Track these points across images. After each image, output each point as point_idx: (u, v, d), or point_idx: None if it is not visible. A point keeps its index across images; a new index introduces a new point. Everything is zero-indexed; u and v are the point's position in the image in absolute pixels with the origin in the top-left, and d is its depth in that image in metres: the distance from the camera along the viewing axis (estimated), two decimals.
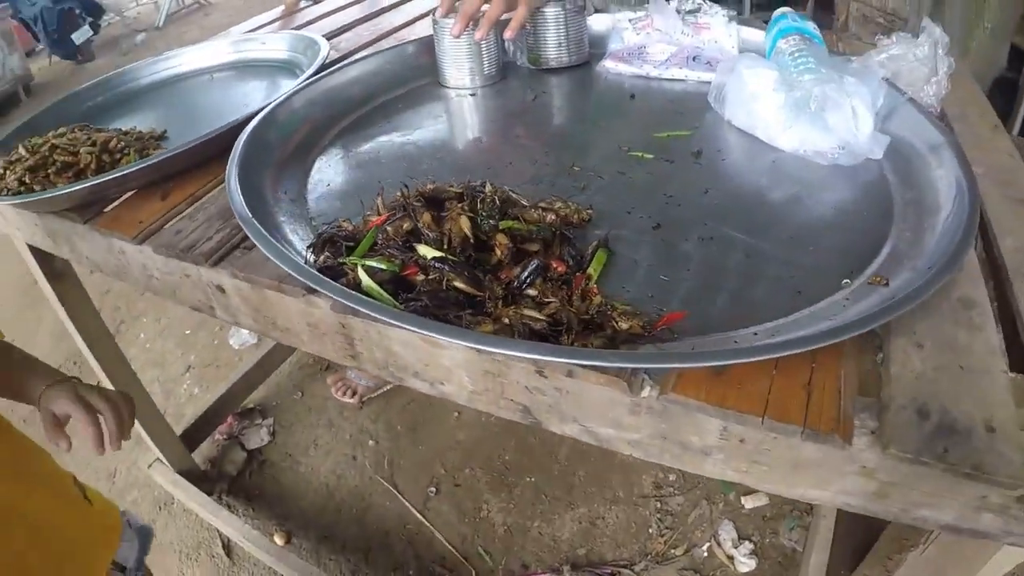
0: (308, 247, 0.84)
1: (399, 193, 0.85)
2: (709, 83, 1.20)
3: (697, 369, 0.65)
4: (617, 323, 0.70)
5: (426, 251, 0.73)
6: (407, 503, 2.21)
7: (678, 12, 1.41)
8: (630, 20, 1.44)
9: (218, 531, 2.17)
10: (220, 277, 0.94)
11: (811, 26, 1.19)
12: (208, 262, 0.98)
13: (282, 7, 2.19)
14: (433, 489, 2.22)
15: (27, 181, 1.22)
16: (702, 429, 0.66)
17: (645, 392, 0.66)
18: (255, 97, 1.55)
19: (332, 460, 2.38)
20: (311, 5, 2.26)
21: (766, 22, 1.27)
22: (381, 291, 0.72)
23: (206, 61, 1.79)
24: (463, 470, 2.29)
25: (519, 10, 1.29)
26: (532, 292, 0.74)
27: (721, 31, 1.36)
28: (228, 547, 2.17)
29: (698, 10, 1.41)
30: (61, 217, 1.23)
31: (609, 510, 2.11)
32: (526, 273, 0.74)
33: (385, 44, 1.75)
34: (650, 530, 2.05)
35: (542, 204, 0.87)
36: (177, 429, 2.31)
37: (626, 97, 1.28)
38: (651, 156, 1.05)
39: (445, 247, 0.74)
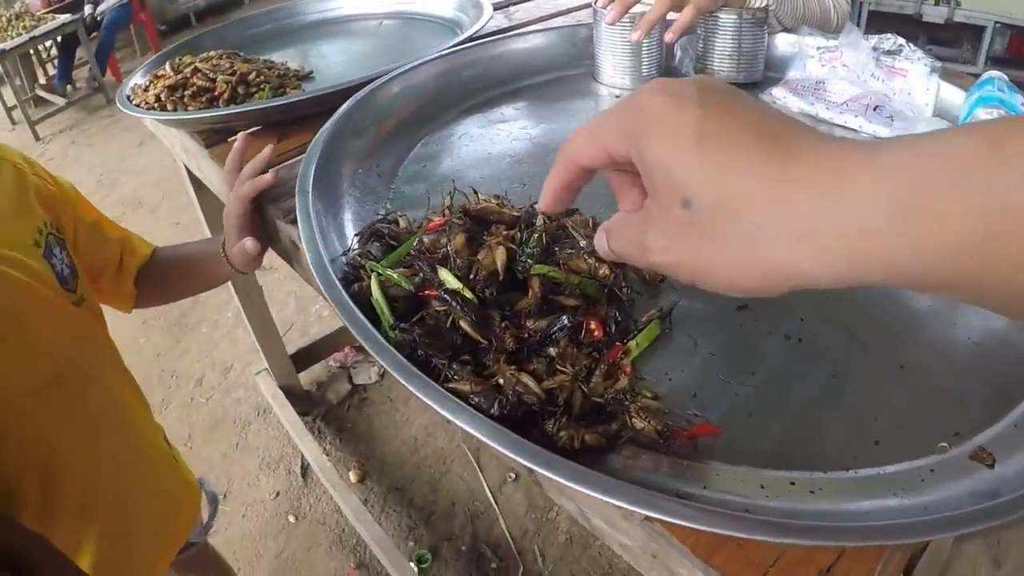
0: (356, 235, 0.78)
1: (444, 203, 0.76)
2: None
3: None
4: (631, 418, 0.59)
5: (446, 277, 0.65)
6: (484, 481, 2.17)
7: (874, 50, 1.22)
8: (818, 48, 1.26)
9: (301, 451, 2.22)
10: (293, 235, 0.91)
11: (1021, 101, 0.99)
12: (286, 218, 0.96)
13: None
14: (512, 475, 2.17)
15: (162, 98, 1.25)
16: (689, 570, 0.54)
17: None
18: (407, 51, 1.50)
19: (427, 416, 2.38)
20: None
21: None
22: (383, 308, 0.65)
23: (375, 6, 1.77)
24: None
25: (685, 12, 1.15)
26: (552, 351, 0.64)
27: (919, 82, 1.16)
28: (305, 469, 2.23)
29: (898, 52, 1.22)
30: (192, 137, 1.25)
31: None
32: (551, 330, 0.64)
33: (558, 23, 1.65)
34: None
35: None
36: (296, 345, 2.38)
37: None
38: None
39: (472, 276, 0.65)
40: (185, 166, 1.58)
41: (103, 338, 1.00)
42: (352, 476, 2.17)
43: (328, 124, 0.97)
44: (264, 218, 1.02)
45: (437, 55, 1.22)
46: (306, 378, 2.48)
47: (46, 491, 0.86)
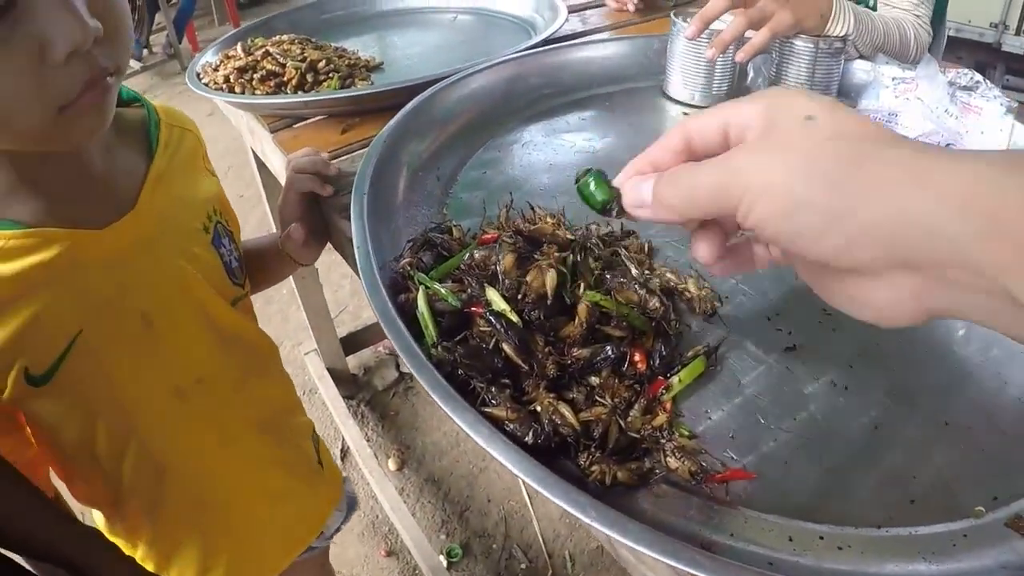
0: (408, 241, 0.78)
1: (499, 218, 0.76)
2: None
3: None
4: (665, 457, 0.59)
5: (493, 297, 0.65)
6: (522, 480, 2.17)
7: (950, 84, 1.18)
8: (893, 78, 1.23)
9: (343, 435, 2.25)
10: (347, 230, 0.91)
11: None
12: (342, 215, 0.96)
13: None
14: None
15: (231, 80, 1.26)
16: None
17: None
18: (479, 49, 1.51)
19: None
20: None
21: None
22: (428, 323, 0.65)
23: (451, 0, 1.77)
24: None
25: (760, 34, 1.13)
26: (595, 380, 0.64)
27: (993, 121, 1.11)
28: (345, 452, 2.26)
29: (975, 88, 1.18)
30: (258, 120, 1.27)
31: None
32: (595, 360, 0.64)
33: (632, 31, 1.64)
34: None
35: (665, 278, 0.76)
36: (346, 328, 2.41)
37: None
38: None
39: (520, 297, 0.65)
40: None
41: (256, 336, 0.98)
42: (391, 464, 2.20)
43: (390, 125, 0.98)
44: (320, 212, 1.03)
45: (506, 58, 1.22)
46: (354, 362, 2.51)
47: (158, 493, 0.87)
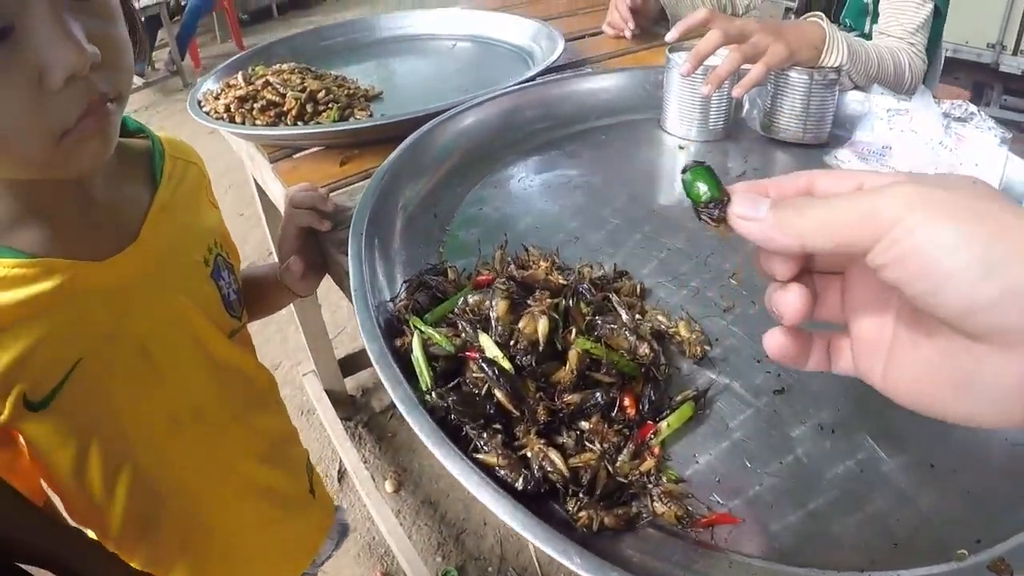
0: (404, 282, 0.80)
1: (492, 264, 0.78)
2: None
3: None
4: (652, 502, 0.60)
5: (486, 344, 0.66)
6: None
7: (945, 116, 1.20)
8: (887, 110, 1.24)
9: (340, 456, 2.26)
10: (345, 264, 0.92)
11: None
12: (339, 249, 0.98)
13: None
14: None
15: (231, 109, 1.28)
16: None
17: None
18: (478, 78, 1.53)
19: None
20: None
21: None
22: (423, 368, 0.66)
23: (451, 28, 1.80)
24: None
25: (755, 68, 1.15)
26: (585, 425, 0.65)
27: (987, 153, 1.13)
28: (342, 473, 2.27)
29: (969, 119, 1.20)
30: (258, 149, 1.29)
31: None
32: (585, 405, 0.65)
33: (629, 60, 1.66)
34: None
35: (656, 321, 0.77)
36: (345, 350, 2.42)
37: None
38: None
39: (512, 343, 0.67)
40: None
41: (253, 369, 0.99)
42: (388, 485, 2.21)
43: (386, 163, 0.99)
44: (319, 245, 1.05)
45: (503, 91, 1.24)
46: (352, 383, 2.52)
47: (152, 518, 0.88)
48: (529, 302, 0.69)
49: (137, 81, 5.98)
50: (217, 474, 0.92)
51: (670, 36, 1.21)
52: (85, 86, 0.62)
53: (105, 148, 0.68)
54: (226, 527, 0.96)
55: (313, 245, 1.04)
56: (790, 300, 0.44)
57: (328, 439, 2.32)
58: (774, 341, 0.47)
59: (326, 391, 2.36)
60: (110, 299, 0.76)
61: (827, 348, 0.48)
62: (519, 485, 0.59)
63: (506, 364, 0.65)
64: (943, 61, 4.11)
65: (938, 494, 0.65)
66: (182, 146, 0.93)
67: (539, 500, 0.61)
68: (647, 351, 0.69)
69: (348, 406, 2.45)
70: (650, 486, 0.62)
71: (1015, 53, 3.96)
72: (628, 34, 1.78)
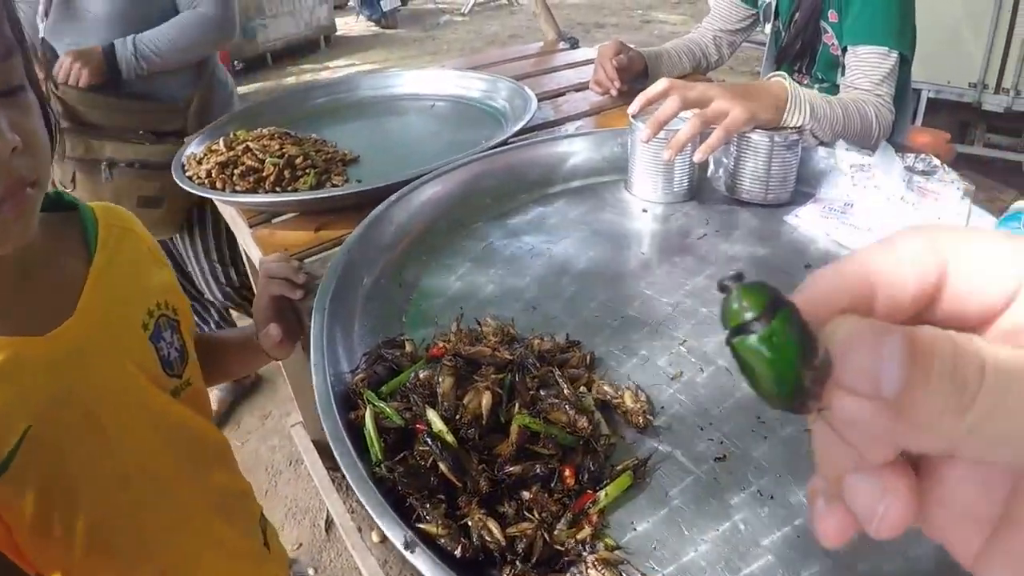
0: (364, 355, 0.84)
1: (440, 343, 0.82)
2: None
3: None
4: (587, 569, 0.64)
5: (433, 419, 0.70)
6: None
7: (908, 170, 1.22)
8: (851, 166, 1.26)
9: (327, 507, 2.27)
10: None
11: None
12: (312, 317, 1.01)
13: (541, 43, 2.23)
14: None
15: (213, 174, 1.33)
16: None
17: None
18: (453, 140, 1.58)
19: None
20: (569, 49, 2.27)
21: None
22: (373, 440, 0.71)
23: (430, 88, 1.85)
24: None
25: (716, 133, 1.19)
26: (527, 494, 0.69)
27: (950, 206, 1.15)
28: (329, 523, 2.28)
29: (932, 173, 1.22)
30: (238, 213, 1.33)
31: None
32: (527, 477, 0.69)
33: (603, 117, 1.71)
34: None
35: (602, 391, 0.81)
36: None
37: (800, 266, 1.13)
38: None
39: (457, 418, 0.70)
40: None
41: (201, 428, 1.01)
42: (374, 536, 2.21)
43: (352, 238, 1.04)
44: (295, 312, 1.08)
45: (469, 159, 1.29)
46: None
47: (110, 570, 0.91)
48: (476, 377, 0.73)
49: None
50: (169, 529, 0.96)
51: (632, 108, 1.25)
52: (5, 170, 0.68)
53: (25, 230, 0.74)
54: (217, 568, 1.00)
55: (288, 312, 1.08)
56: (895, 511, 0.26)
57: (316, 489, 2.34)
58: (834, 527, 0.28)
59: (313, 442, 2.38)
60: (54, 369, 0.80)
61: None
62: (457, 553, 0.63)
63: (450, 438, 0.68)
64: (924, 105, 4.20)
65: (876, 560, 0.67)
66: (117, 212, 0.97)
67: (477, 567, 0.64)
68: (585, 424, 0.72)
69: (334, 457, 2.46)
70: (585, 553, 0.65)
71: (997, 91, 4.02)
72: (615, 92, 1.83)
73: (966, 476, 0.27)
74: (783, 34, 1.91)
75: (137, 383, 0.89)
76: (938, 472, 0.27)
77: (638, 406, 0.80)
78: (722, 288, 0.26)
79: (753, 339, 0.25)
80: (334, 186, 1.38)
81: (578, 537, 0.66)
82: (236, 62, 7.50)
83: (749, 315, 0.25)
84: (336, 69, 7.38)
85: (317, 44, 7.90)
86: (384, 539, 2.20)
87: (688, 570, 0.66)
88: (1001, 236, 0.26)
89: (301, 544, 2.25)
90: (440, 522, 0.64)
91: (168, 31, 1.92)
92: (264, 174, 1.35)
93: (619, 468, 0.73)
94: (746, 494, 0.74)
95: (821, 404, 0.24)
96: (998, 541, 0.26)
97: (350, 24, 8.78)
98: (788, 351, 0.24)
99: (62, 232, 0.89)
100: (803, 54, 1.88)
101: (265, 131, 1.50)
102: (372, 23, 8.73)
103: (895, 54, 1.54)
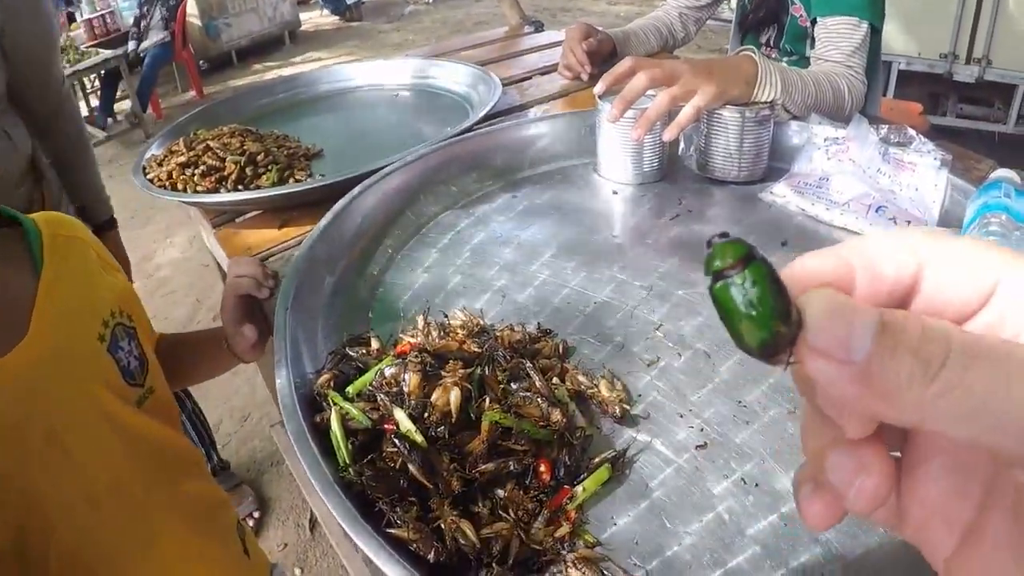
0: (329, 354, 0.80)
1: (406, 339, 0.78)
2: None
3: None
4: (567, 568, 0.61)
5: (400, 419, 0.67)
6: None
7: (883, 142, 1.19)
8: (825, 139, 1.23)
9: (311, 506, 2.24)
10: None
11: None
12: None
13: (506, 28, 2.19)
14: None
15: (173, 176, 1.29)
16: None
17: None
18: (417, 130, 1.54)
19: None
20: (532, 32, 2.24)
21: None
22: (340, 443, 0.67)
23: (392, 79, 1.82)
24: None
25: (685, 111, 1.15)
26: (501, 493, 0.66)
27: (927, 177, 1.12)
28: (313, 523, 2.25)
29: (908, 144, 1.19)
30: (201, 214, 1.29)
31: None
32: (500, 474, 0.66)
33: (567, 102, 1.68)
34: None
35: (576, 381, 0.78)
36: None
37: (777, 243, 1.10)
38: None
39: (425, 416, 0.67)
40: None
41: (169, 439, 0.98)
42: None
43: (314, 233, 1.00)
44: (263, 312, 1.05)
45: (434, 147, 1.25)
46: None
47: None
48: (443, 373, 0.70)
49: (99, 134, 5.99)
50: (144, 546, 0.92)
51: (598, 89, 1.22)
52: None
53: None
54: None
55: (258, 312, 1.04)
56: (871, 484, 0.28)
57: (298, 489, 2.31)
58: (819, 512, 0.30)
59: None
60: (11, 392, 0.76)
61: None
62: (431, 557, 0.60)
63: (419, 438, 0.65)
64: (895, 78, 4.20)
65: (866, 546, 0.64)
66: (62, 221, 0.93)
67: (453, 571, 0.61)
68: (559, 417, 0.69)
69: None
70: (564, 552, 0.62)
71: (968, 62, 4.03)
72: (585, 77, 1.79)
73: (942, 475, 0.29)
74: (748, 5, 1.89)
75: (99, 399, 0.84)
76: (917, 471, 0.30)
77: (614, 395, 0.77)
78: (708, 244, 0.28)
79: (729, 284, 0.27)
80: (297, 181, 1.34)
81: (556, 535, 0.63)
82: (201, 62, 7.42)
83: (727, 262, 0.27)
84: (302, 65, 7.31)
85: (282, 40, 7.84)
86: None
87: (672, 565, 0.64)
88: (975, 241, 0.28)
89: (286, 544, 2.22)
90: (411, 526, 0.61)
91: None
92: (226, 172, 1.31)
93: (596, 461, 0.70)
94: (729, 482, 0.71)
95: (792, 358, 0.26)
96: (966, 548, 0.28)
97: (315, 19, 8.71)
98: (761, 296, 0.26)
99: (5, 248, 0.84)
100: (769, 22, 1.85)
101: (226, 129, 1.46)
102: (336, 17, 8.65)
103: (865, 24, 1.51)
